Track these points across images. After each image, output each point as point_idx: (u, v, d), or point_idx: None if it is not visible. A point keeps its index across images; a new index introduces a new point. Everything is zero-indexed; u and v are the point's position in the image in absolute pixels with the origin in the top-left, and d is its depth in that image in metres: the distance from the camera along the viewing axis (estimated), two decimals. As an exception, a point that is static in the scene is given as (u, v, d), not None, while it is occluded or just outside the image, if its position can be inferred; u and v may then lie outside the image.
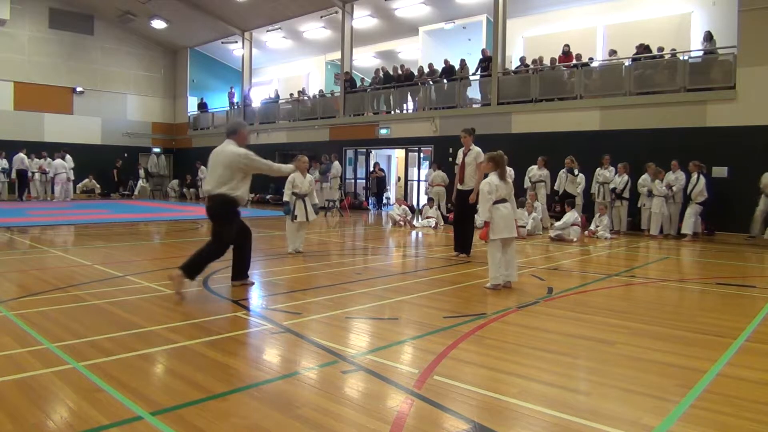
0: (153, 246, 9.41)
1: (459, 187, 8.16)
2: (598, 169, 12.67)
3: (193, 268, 5.28)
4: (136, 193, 24.82)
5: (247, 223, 5.72)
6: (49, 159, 20.87)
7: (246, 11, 22.33)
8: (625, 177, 12.18)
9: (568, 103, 14.53)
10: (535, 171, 13.23)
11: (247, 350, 3.79)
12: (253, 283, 5.83)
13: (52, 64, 23.98)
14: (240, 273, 5.76)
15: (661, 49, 13.83)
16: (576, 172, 12.40)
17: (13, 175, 20.64)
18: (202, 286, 5.70)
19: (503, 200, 5.90)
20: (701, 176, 11.28)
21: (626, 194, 12.24)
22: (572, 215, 10.96)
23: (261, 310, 4.82)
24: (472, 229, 8.23)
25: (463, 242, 8.16)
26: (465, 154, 8.22)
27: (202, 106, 26.90)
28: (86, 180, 23.55)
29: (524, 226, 11.34)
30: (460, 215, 8.23)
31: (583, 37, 16.50)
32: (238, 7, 22.06)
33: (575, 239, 10.80)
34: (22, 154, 20.48)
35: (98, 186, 23.74)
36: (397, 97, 18.76)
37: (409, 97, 18.71)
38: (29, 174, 20.59)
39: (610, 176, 12.44)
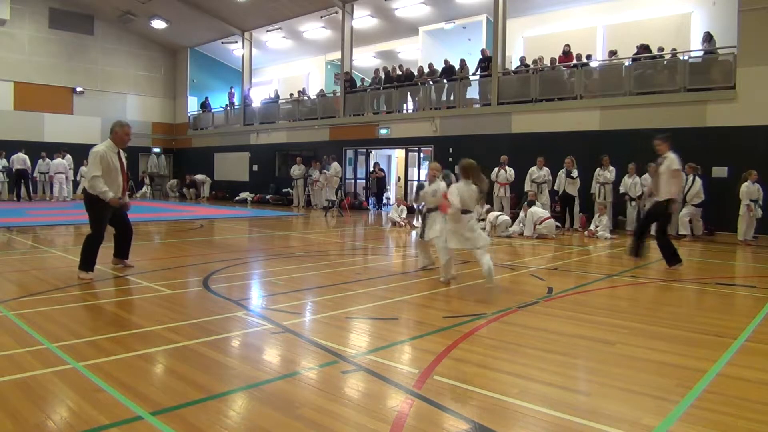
0: (153, 246, 9.42)
1: (654, 198, 7.59)
2: (598, 169, 12.65)
3: (86, 261, 5.93)
4: (137, 195, 24.73)
5: (126, 220, 6.52)
6: (48, 159, 20.81)
7: (246, 11, 22.33)
8: (636, 178, 12.14)
9: (568, 103, 14.53)
10: (537, 172, 13.23)
11: (247, 350, 3.79)
12: (132, 266, 6.59)
13: (52, 64, 23.96)
14: (118, 253, 6.62)
15: (661, 49, 13.83)
16: (574, 174, 12.40)
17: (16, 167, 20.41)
18: (202, 286, 5.71)
19: (464, 211, 5.82)
20: (697, 178, 11.27)
21: (636, 194, 12.22)
22: (531, 215, 11.24)
23: (261, 310, 4.82)
24: (667, 241, 7.48)
25: (675, 251, 7.40)
26: (660, 163, 7.53)
27: (205, 106, 26.87)
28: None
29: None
30: (660, 227, 7.59)
31: (583, 37, 16.49)
32: (238, 7, 22.05)
33: (554, 235, 11.12)
34: (22, 154, 20.32)
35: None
36: (397, 97, 18.76)
37: (409, 97, 18.71)
38: (34, 174, 20.49)
39: (611, 177, 12.40)
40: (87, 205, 6.11)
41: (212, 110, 26.83)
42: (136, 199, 23.85)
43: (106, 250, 8.14)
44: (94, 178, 5.91)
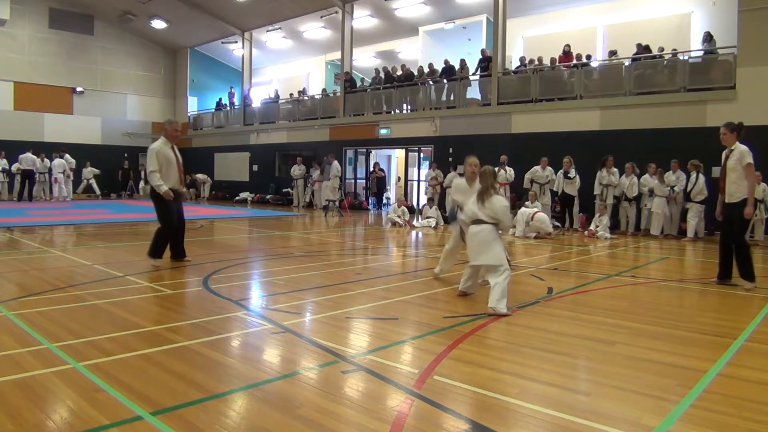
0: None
1: (725, 199, 6.34)
2: (601, 170, 12.52)
3: (155, 250, 6.63)
4: (141, 194, 24.69)
5: (181, 215, 6.88)
6: (46, 159, 20.77)
7: (246, 11, 22.32)
8: (634, 178, 12.12)
9: (568, 103, 14.52)
10: (540, 172, 13.19)
11: (247, 350, 3.79)
12: (189, 261, 7.02)
13: (52, 64, 23.96)
14: (176, 255, 6.98)
15: (661, 49, 13.83)
16: (572, 174, 12.37)
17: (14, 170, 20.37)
18: (202, 286, 5.71)
19: (477, 221, 5.11)
20: (700, 175, 11.28)
21: (633, 194, 12.21)
22: (521, 215, 11.34)
23: (261, 310, 4.82)
24: (745, 252, 6.19)
25: (730, 267, 6.35)
26: (727, 157, 6.37)
27: (220, 106, 26.72)
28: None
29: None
30: (726, 233, 6.39)
31: (583, 37, 16.49)
32: (238, 7, 22.05)
33: (552, 233, 11.20)
34: (31, 155, 20.27)
35: (96, 189, 23.21)
36: (397, 97, 18.75)
37: (409, 98, 18.70)
38: (36, 174, 20.47)
39: (614, 179, 12.28)
40: (153, 200, 6.73)
41: (208, 110, 26.78)
42: (136, 199, 23.89)
43: (105, 250, 8.15)
44: (151, 173, 6.52)
